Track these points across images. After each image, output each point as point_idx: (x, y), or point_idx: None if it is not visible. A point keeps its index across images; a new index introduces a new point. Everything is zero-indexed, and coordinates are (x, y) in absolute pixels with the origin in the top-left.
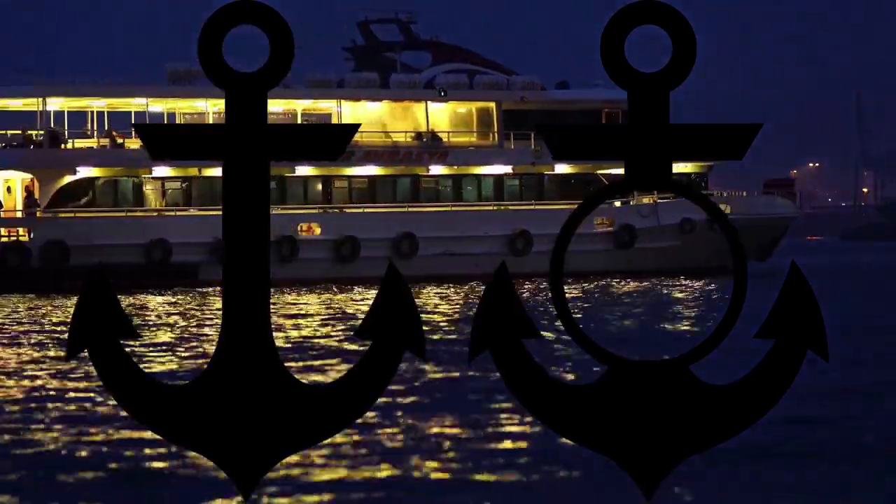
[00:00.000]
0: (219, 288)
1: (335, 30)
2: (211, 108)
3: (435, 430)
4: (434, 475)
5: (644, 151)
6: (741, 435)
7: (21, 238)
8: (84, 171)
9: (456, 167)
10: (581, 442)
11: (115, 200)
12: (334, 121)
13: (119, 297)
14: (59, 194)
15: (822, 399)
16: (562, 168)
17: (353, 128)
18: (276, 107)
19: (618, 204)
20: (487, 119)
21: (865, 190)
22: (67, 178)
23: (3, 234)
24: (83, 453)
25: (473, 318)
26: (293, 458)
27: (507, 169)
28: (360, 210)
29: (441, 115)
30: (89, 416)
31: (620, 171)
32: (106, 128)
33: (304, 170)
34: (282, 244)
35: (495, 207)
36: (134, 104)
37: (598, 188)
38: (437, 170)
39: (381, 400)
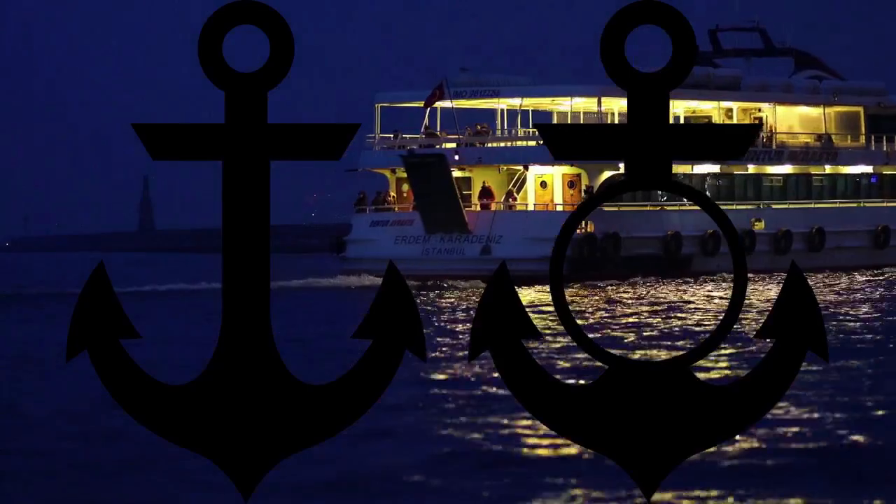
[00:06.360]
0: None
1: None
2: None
3: (438, 427)
4: (434, 474)
5: (644, 151)
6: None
7: (588, 231)
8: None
9: (841, 167)
10: (581, 442)
11: (636, 195)
12: (769, 122)
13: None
14: (602, 187)
15: None
16: None
17: (353, 128)
18: (707, 105)
19: None
20: (856, 122)
21: None
22: (608, 173)
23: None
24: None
25: (473, 318)
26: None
27: (869, 169)
28: (785, 206)
29: (828, 119)
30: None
31: None
32: None
33: (750, 167)
34: (745, 237)
35: (857, 205)
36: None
37: (598, 190)
38: (829, 169)
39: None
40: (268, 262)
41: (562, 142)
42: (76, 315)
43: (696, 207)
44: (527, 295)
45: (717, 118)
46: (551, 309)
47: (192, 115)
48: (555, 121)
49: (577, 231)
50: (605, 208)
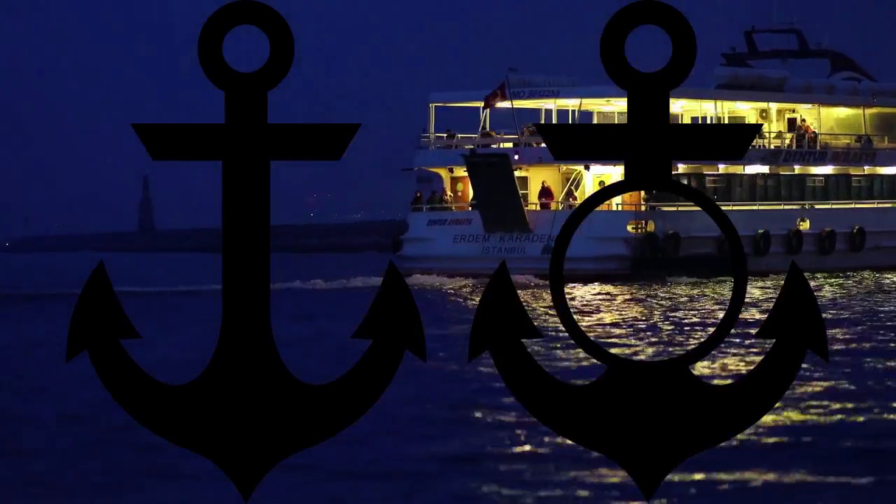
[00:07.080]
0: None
1: (717, 35)
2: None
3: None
4: (432, 473)
5: (644, 151)
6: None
7: (649, 230)
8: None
9: (878, 167)
10: (581, 442)
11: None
12: (810, 122)
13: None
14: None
15: None
16: None
17: (353, 128)
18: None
19: None
20: (892, 123)
21: None
22: None
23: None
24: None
25: (473, 317)
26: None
27: None
28: (828, 206)
29: (866, 120)
30: None
31: None
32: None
33: (796, 168)
34: (792, 237)
35: (892, 205)
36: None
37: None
38: (867, 169)
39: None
40: (268, 262)
41: (562, 141)
42: (76, 315)
43: (747, 207)
44: (584, 292)
45: (753, 119)
46: (609, 303)
47: (193, 115)
48: (595, 121)
49: (638, 231)
50: (665, 208)
